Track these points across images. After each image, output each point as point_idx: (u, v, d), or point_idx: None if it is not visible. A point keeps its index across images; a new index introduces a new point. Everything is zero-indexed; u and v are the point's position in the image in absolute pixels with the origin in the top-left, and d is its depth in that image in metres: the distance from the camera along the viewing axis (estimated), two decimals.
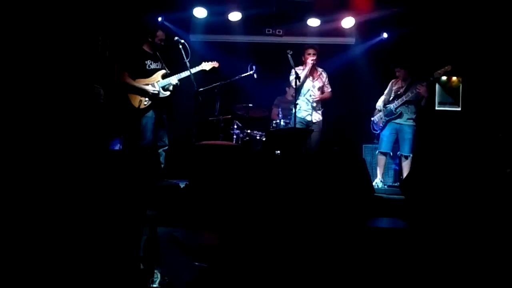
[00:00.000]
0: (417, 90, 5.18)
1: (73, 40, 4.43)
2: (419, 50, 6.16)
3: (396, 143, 5.39)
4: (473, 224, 3.17)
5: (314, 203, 3.54)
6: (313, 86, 5.46)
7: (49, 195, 3.17)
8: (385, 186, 5.36)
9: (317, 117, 5.47)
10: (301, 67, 5.40)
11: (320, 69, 5.56)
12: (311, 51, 5.40)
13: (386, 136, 5.38)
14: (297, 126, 5.22)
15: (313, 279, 2.21)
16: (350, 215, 3.46)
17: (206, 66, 5.03)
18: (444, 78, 6.68)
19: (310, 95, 5.43)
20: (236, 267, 2.37)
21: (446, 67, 5.10)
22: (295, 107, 5.08)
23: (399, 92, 5.38)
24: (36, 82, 3.94)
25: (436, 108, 6.68)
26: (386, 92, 5.58)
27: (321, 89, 5.51)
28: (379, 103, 5.52)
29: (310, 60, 5.33)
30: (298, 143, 4.97)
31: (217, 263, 2.42)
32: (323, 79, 5.55)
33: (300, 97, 5.39)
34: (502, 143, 5.46)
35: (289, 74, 5.49)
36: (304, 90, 5.43)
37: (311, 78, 5.46)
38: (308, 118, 5.40)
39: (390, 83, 5.57)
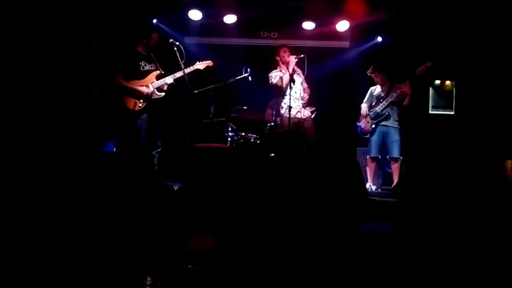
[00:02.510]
0: (401, 89, 5.24)
1: (68, 42, 4.43)
2: (407, 54, 6.22)
3: (383, 146, 5.43)
4: (466, 226, 3.19)
5: (309, 205, 3.55)
6: (296, 82, 5.34)
7: (42, 195, 3.16)
8: (378, 189, 5.38)
9: (306, 113, 5.37)
10: (277, 70, 5.32)
11: (296, 67, 5.38)
12: (286, 49, 5.35)
13: (374, 141, 5.41)
14: (288, 127, 5.12)
15: (309, 281, 2.22)
16: (345, 217, 3.48)
17: (200, 65, 5.00)
18: (437, 82, 6.74)
19: (296, 92, 5.30)
20: (231, 270, 2.37)
21: (427, 63, 5.17)
22: (289, 110, 5.08)
23: (382, 95, 5.42)
24: (30, 84, 3.93)
25: (430, 112, 6.72)
26: (366, 99, 5.63)
27: (302, 84, 5.42)
28: (364, 109, 5.54)
29: (293, 58, 5.15)
30: (293, 145, 4.98)
31: (211, 266, 2.42)
32: (301, 74, 5.41)
33: (285, 97, 5.24)
34: (495, 147, 5.51)
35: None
36: (288, 89, 5.22)
37: (291, 76, 5.25)
38: (298, 115, 5.29)
39: (370, 90, 5.63)
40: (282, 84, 5.19)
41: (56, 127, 4.21)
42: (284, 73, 5.24)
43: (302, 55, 5.13)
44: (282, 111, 5.27)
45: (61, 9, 4.32)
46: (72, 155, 3.99)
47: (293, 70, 5.21)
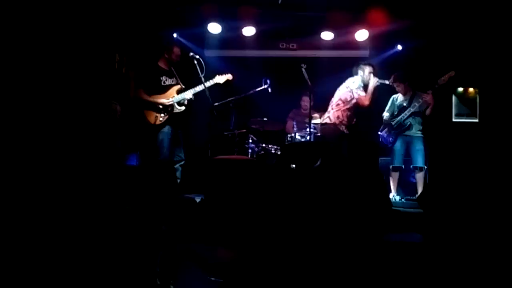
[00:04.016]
0: (424, 98, 5.18)
1: (91, 58, 4.52)
2: (428, 62, 6.14)
3: (407, 156, 5.35)
4: (496, 238, 3.11)
5: (332, 217, 3.51)
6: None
7: (67, 210, 3.21)
8: (402, 200, 5.30)
9: (346, 130, 5.40)
10: (359, 79, 5.30)
11: None
12: (373, 69, 5.31)
13: (397, 150, 5.34)
14: (332, 139, 5.20)
15: None
16: (369, 229, 3.42)
17: (220, 79, 5.05)
18: (460, 89, 6.64)
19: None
20: (252, 283, 2.36)
21: (450, 73, 5.08)
22: (310, 120, 5.06)
23: (404, 105, 5.37)
24: (54, 99, 4.02)
25: (453, 120, 6.61)
26: (388, 108, 5.58)
27: None
28: (386, 118, 5.50)
29: (376, 81, 5.22)
30: (314, 156, 4.95)
31: (234, 278, 2.41)
32: None
33: (343, 110, 5.31)
34: None
35: (302, 88, 5.47)
36: (350, 105, 5.35)
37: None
38: (345, 130, 5.37)
39: (391, 98, 5.58)
40: (365, 103, 5.19)
41: (80, 141, 4.29)
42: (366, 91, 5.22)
43: (386, 81, 5.25)
44: (336, 122, 5.25)
45: (85, 24, 4.42)
46: (96, 168, 4.05)
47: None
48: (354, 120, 5.38)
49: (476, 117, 6.55)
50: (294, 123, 5.71)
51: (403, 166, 5.38)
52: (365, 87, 5.26)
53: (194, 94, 4.97)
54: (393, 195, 5.30)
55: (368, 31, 6.42)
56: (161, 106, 4.88)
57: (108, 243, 2.90)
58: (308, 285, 2.32)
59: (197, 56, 4.83)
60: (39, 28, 3.85)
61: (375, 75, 5.26)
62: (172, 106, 4.91)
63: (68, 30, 4.21)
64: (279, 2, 6.17)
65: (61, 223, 3.05)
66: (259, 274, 2.51)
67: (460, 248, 2.98)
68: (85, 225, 3.08)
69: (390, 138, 5.40)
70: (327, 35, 6.55)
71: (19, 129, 3.63)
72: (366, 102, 5.21)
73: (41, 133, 3.89)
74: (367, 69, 5.29)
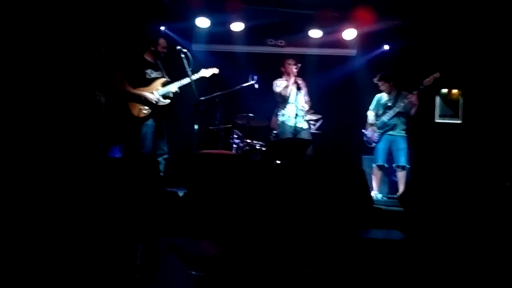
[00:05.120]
0: (409, 99, 5.22)
1: (76, 49, 4.47)
2: (414, 63, 6.21)
3: (390, 155, 5.41)
4: (472, 237, 3.16)
5: (314, 213, 3.54)
6: (299, 93, 5.43)
7: (48, 201, 3.17)
8: (384, 198, 5.36)
9: (305, 124, 5.44)
10: (282, 79, 5.38)
11: (300, 78, 5.47)
12: (292, 61, 5.34)
13: (381, 149, 5.40)
14: (287, 135, 5.26)
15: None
16: (350, 226, 3.46)
17: (206, 72, 5.03)
18: (444, 90, 6.72)
19: (298, 103, 5.41)
20: (234, 276, 2.36)
21: (435, 74, 5.14)
22: (296, 118, 5.10)
23: (389, 104, 5.42)
24: (38, 89, 3.97)
25: (436, 121, 6.69)
26: (372, 107, 5.63)
27: (304, 96, 5.48)
28: (370, 117, 5.55)
29: (295, 69, 5.25)
30: (298, 153, 4.97)
31: (215, 272, 2.41)
32: (303, 87, 5.49)
33: (287, 106, 5.37)
34: (502, 156, 5.47)
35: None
36: (291, 99, 5.37)
37: (295, 86, 5.38)
38: (298, 125, 5.36)
39: (376, 97, 5.63)
40: (285, 93, 5.28)
41: (63, 132, 4.24)
42: (288, 82, 5.29)
43: (299, 64, 5.27)
44: (284, 119, 5.36)
45: (71, 16, 4.36)
46: (78, 160, 4.01)
47: (296, 81, 5.33)
48: (306, 108, 5.45)
49: (459, 118, 6.65)
50: None
51: (386, 165, 5.44)
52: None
53: (180, 88, 4.95)
54: (375, 193, 5.36)
55: (356, 30, 6.46)
56: (145, 99, 4.85)
57: (89, 236, 2.88)
58: (291, 281, 2.34)
59: (185, 50, 4.80)
60: (23, 19, 3.80)
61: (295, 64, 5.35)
62: (156, 99, 4.88)
63: (54, 22, 4.16)
64: None
65: (42, 215, 3.01)
66: (241, 268, 2.52)
67: (441, 247, 3.03)
68: (66, 217, 3.05)
69: (375, 137, 5.45)
70: (315, 33, 6.57)
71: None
72: (277, 89, 5.35)
73: (23, 124, 3.84)
74: (286, 61, 5.37)
